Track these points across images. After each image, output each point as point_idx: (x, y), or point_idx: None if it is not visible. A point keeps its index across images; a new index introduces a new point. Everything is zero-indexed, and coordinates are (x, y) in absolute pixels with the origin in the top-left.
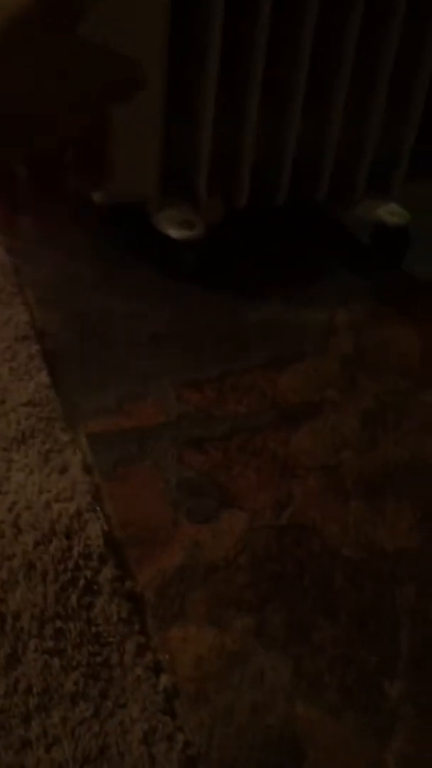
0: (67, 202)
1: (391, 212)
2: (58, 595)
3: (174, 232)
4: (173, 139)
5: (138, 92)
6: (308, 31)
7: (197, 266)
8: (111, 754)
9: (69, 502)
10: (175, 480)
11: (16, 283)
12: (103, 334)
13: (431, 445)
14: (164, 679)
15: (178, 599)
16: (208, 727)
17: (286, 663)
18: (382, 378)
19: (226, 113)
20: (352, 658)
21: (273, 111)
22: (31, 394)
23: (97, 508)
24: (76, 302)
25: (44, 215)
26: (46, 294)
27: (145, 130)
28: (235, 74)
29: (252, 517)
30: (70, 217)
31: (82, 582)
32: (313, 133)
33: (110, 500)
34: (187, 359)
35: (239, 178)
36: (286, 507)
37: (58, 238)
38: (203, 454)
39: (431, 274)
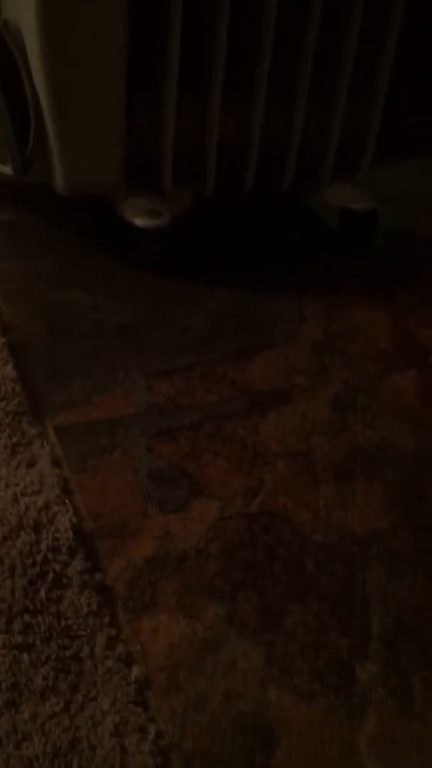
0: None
1: (358, 197)
2: (26, 589)
3: (140, 221)
4: (137, 128)
5: None
6: (269, 19)
7: (164, 256)
8: (82, 748)
9: (37, 496)
10: (145, 470)
11: None
12: (70, 325)
13: (401, 429)
14: (136, 671)
15: (148, 590)
16: (180, 716)
17: (257, 650)
18: (352, 363)
19: (191, 102)
20: (323, 643)
21: (237, 99)
22: None
23: (66, 500)
24: (42, 295)
25: None
26: (12, 287)
27: (108, 119)
28: (198, 63)
29: (223, 505)
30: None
31: (51, 575)
32: (278, 121)
33: (80, 492)
34: (155, 349)
35: (205, 167)
36: (257, 494)
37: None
38: (173, 443)
39: (400, 258)
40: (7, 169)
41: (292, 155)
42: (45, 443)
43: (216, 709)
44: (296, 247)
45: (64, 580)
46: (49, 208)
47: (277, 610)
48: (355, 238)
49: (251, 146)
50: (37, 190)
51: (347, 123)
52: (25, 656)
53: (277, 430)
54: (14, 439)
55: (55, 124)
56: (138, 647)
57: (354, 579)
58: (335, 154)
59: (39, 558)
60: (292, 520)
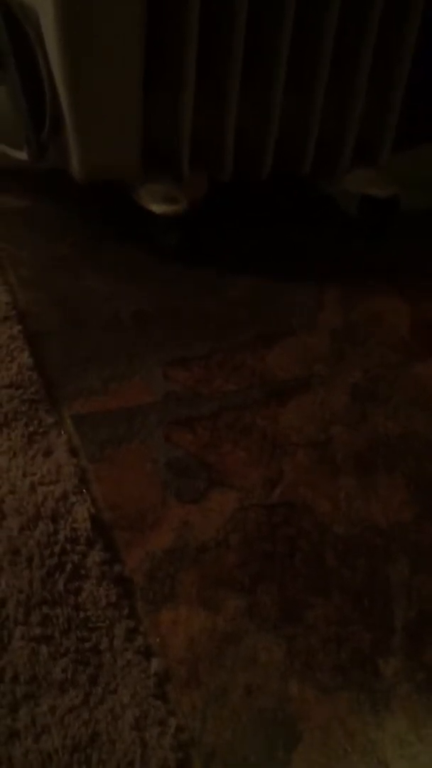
0: None
1: (378, 183)
2: (44, 580)
3: (157, 208)
4: (155, 112)
5: None
6: (289, 4)
7: (181, 242)
8: (102, 741)
9: (55, 485)
10: (164, 460)
11: None
12: (86, 313)
13: (422, 418)
14: (155, 663)
15: (168, 581)
16: (200, 710)
17: (278, 643)
18: (372, 351)
19: (209, 87)
20: (345, 637)
21: (256, 84)
22: (14, 376)
23: (84, 490)
24: (58, 282)
25: None
26: (28, 274)
27: (125, 103)
28: (216, 47)
29: (242, 495)
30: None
31: (69, 566)
32: (297, 105)
33: (97, 482)
34: (173, 337)
35: (222, 152)
36: (276, 485)
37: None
38: (191, 433)
39: (420, 245)
40: (23, 155)
41: (310, 140)
42: (62, 432)
43: (237, 703)
44: (315, 234)
45: (83, 572)
46: (66, 196)
47: (298, 603)
48: (375, 225)
49: (270, 131)
50: (53, 177)
51: (367, 108)
52: (44, 648)
53: (297, 420)
54: (31, 428)
55: (72, 108)
56: (157, 639)
57: (376, 571)
58: (355, 139)
59: (57, 549)
60: (313, 511)
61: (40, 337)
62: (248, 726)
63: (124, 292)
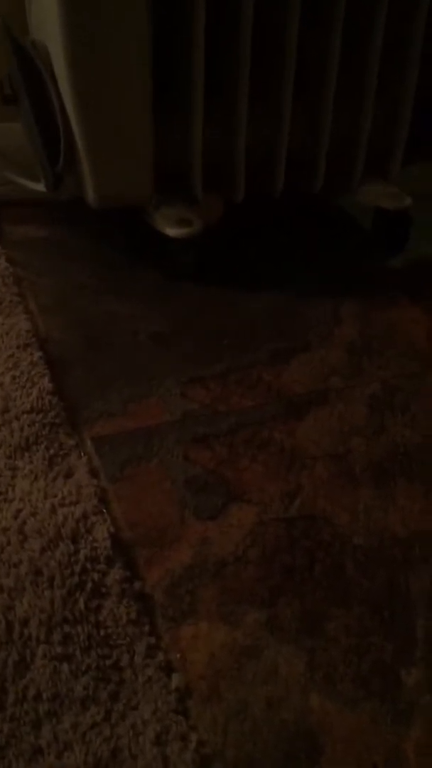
0: None
1: (391, 196)
2: (65, 599)
3: (172, 231)
4: (165, 137)
5: None
6: (294, 24)
7: (197, 261)
8: (123, 757)
9: (75, 506)
10: (182, 478)
11: (17, 292)
12: (105, 336)
13: None
14: (176, 679)
15: (188, 597)
16: (222, 724)
17: (299, 656)
18: (389, 363)
19: (218, 109)
20: (366, 648)
21: (265, 103)
22: (34, 400)
23: (104, 510)
24: (77, 307)
25: None
26: (48, 301)
27: (136, 131)
28: (225, 69)
29: (260, 510)
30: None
31: (89, 585)
32: (307, 123)
33: (117, 502)
34: (190, 356)
35: (235, 174)
36: (295, 498)
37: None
38: (209, 450)
39: None
40: (41, 187)
41: (322, 157)
42: (82, 454)
43: (258, 716)
44: (330, 248)
45: (103, 590)
46: (83, 223)
47: (318, 615)
48: (389, 238)
49: (280, 150)
50: (71, 207)
51: (377, 122)
52: (65, 666)
53: (314, 433)
54: (51, 451)
55: (84, 138)
56: (178, 655)
57: (397, 582)
58: (366, 153)
59: (77, 568)
60: (332, 523)
61: (60, 361)
62: (270, 740)
63: (142, 314)
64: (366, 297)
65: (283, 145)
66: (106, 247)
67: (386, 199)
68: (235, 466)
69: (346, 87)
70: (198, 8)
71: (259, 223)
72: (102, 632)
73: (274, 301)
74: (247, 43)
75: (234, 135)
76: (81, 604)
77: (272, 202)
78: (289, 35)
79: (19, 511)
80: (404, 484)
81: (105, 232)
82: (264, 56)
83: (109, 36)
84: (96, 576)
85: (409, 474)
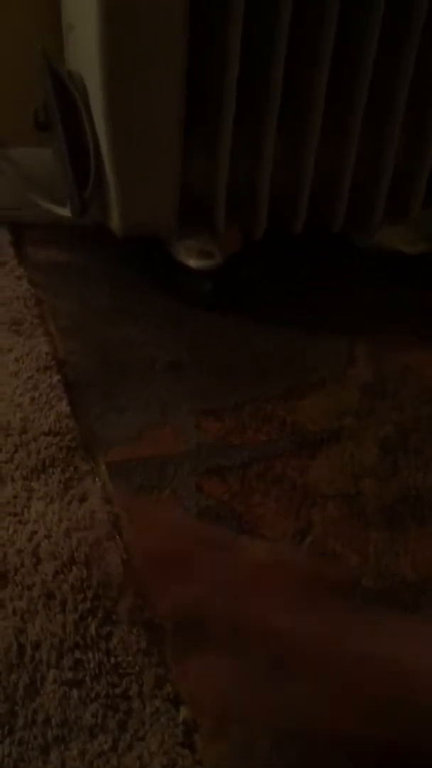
0: None
1: (410, 240)
2: (77, 624)
3: (193, 262)
4: (192, 170)
5: None
6: (324, 61)
7: (215, 295)
8: None
9: (89, 531)
10: (195, 509)
11: (38, 314)
12: (123, 362)
13: None
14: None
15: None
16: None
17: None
18: (403, 405)
19: (244, 145)
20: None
21: (290, 141)
22: (52, 423)
23: (117, 536)
24: (96, 332)
25: None
26: (68, 324)
27: (165, 163)
28: (251, 104)
29: (272, 545)
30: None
31: (101, 612)
32: (330, 162)
33: (130, 529)
34: (206, 387)
35: (257, 210)
36: (306, 536)
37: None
38: (222, 482)
39: None
40: (66, 212)
41: (343, 196)
42: (96, 479)
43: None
44: (347, 285)
45: (114, 617)
46: (103, 249)
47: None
48: (408, 280)
49: (303, 187)
50: (92, 232)
51: (399, 163)
52: (75, 692)
53: (327, 472)
54: (67, 474)
55: (115, 168)
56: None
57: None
58: (387, 194)
59: (90, 593)
60: (342, 564)
61: (78, 385)
62: None
63: (159, 342)
64: (381, 336)
65: (306, 182)
66: (125, 273)
67: (406, 243)
68: (247, 500)
69: (373, 125)
70: (232, 44)
71: (277, 260)
72: (112, 660)
73: (290, 337)
74: (277, 82)
75: (259, 171)
76: (92, 630)
77: (292, 240)
78: (318, 72)
79: (33, 533)
80: (415, 528)
81: (125, 258)
82: (293, 93)
83: (145, 70)
84: (108, 603)
85: (422, 518)
